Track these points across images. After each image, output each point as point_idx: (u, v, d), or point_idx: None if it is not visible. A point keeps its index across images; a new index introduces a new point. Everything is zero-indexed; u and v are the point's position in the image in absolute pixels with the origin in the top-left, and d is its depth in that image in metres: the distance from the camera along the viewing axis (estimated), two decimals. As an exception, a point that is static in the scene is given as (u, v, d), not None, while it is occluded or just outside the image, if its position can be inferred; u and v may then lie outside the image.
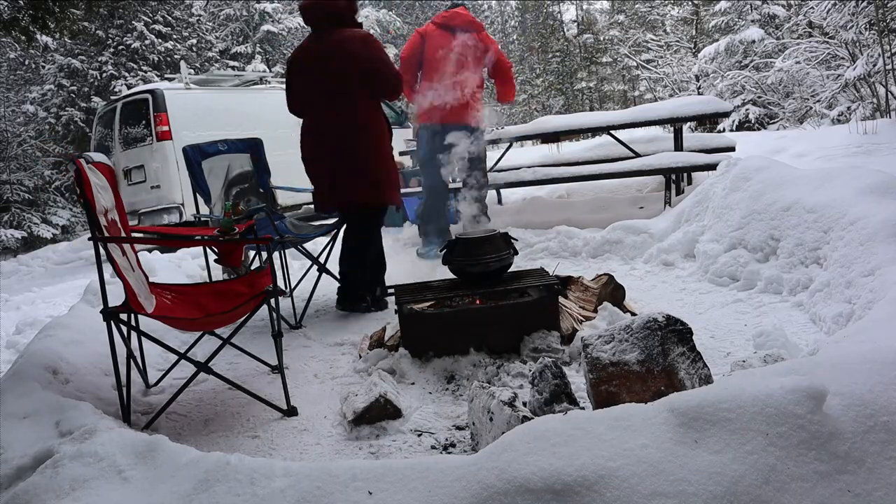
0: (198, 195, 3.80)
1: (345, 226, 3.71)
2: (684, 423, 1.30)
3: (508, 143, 6.70)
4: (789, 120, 12.20)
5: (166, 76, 10.38)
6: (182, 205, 7.63)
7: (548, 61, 29.51)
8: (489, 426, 1.80)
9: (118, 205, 2.47)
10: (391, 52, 16.54)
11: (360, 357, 2.85)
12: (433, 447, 2.00)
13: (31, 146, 14.27)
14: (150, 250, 5.19)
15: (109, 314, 2.20)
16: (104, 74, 15.27)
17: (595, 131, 6.61)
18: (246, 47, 18.50)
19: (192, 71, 9.57)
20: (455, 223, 6.29)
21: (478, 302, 2.81)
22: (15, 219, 13.35)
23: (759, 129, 12.59)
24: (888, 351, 1.49)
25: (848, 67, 10.45)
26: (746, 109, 13.07)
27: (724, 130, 12.85)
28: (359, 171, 3.52)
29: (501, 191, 7.13)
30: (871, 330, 1.84)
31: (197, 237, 3.26)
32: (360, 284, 3.68)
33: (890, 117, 8.86)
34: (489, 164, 7.32)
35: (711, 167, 4.87)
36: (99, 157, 7.74)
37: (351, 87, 3.48)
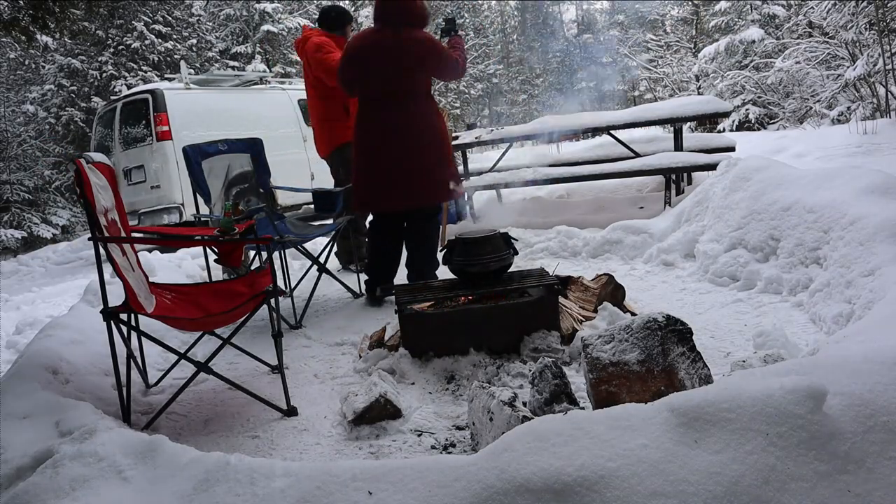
0: (198, 195, 3.80)
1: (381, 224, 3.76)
2: (684, 423, 1.30)
3: (508, 144, 6.71)
4: (789, 120, 12.20)
5: (166, 76, 10.39)
6: (182, 205, 7.63)
7: (548, 61, 29.53)
8: (489, 426, 1.80)
9: (118, 205, 2.47)
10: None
11: (360, 357, 2.85)
12: (433, 447, 2.00)
13: (31, 146, 14.27)
14: (150, 250, 5.19)
15: (109, 314, 2.20)
16: (104, 74, 15.28)
17: (595, 131, 6.61)
18: (246, 47, 18.51)
19: (192, 71, 9.57)
20: (455, 223, 6.30)
21: (484, 299, 2.81)
22: (15, 219, 13.35)
23: (759, 129, 12.59)
24: (888, 351, 1.49)
25: (848, 67, 10.46)
26: (746, 109, 13.07)
27: (724, 130, 12.86)
28: (434, 171, 3.58)
29: (501, 191, 7.14)
30: (871, 330, 1.84)
31: (197, 237, 3.26)
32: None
33: (890, 117, 8.86)
34: (489, 164, 7.34)
35: (711, 167, 4.87)
36: (99, 157, 7.73)
37: (421, 87, 3.57)
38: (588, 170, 5.87)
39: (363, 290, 4.07)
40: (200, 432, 2.31)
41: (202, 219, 3.83)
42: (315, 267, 3.77)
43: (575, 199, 6.85)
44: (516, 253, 2.91)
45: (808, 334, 2.59)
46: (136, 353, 2.65)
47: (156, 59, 15.64)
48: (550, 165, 6.53)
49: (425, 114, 3.59)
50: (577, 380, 2.25)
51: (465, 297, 2.81)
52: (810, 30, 12.77)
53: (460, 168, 7.08)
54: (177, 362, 2.75)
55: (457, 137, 6.35)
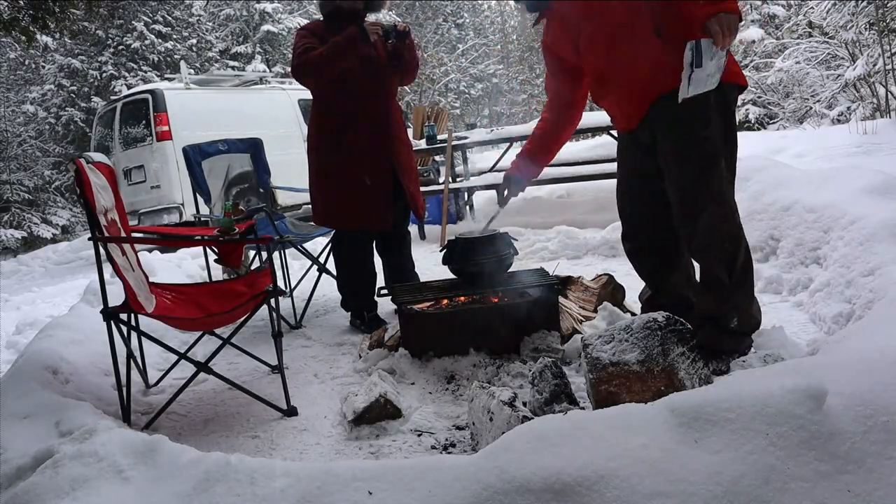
0: (198, 195, 3.80)
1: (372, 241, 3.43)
2: (684, 423, 1.30)
3: (508, 143, 6.71)
4: (789, 120, 12.20)
5: (166, 76, 10.39)
6: (182, 205, 7.64)
7: (548, 61, 29.52)
8: (489, 426, 1.80)
9: (118, 205, 2.47)
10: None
11: (360, 357, 2.85)
12: (433, 447, 2.00)
13: (31, 146, 14.28)
14: (150, 250, 5.19)
15: (109, 314, 2.20)
16: (104, 74, 15.29)
17: (595, 131, 6.60)
18: (246, 47, 18.50)
19: (192, 71, 9.57)
20: (455, 223, 6.31)
21: (484, 299, 2.81)
22: (15, 219, 13.36)
23: (759, 129, 12.59)
24: (888, 351, 1.49)
25: (848, 67, 10.46)
26: (746, 109, 13.07)
27: (724, 130, 12.83)
28: (407, 185, 3.28)
29: (501, 191, 7.13)
30: (871, 330, 1.84)
31: (197, 237, 3.26)
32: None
33: (890, 117, 8.87)
34: (489, 164, 7.33)
35: (711, 167, 4.85)
36: (99, 157, 7.77)
37: (391, 90, 3.25)
38: (588, 170, 5.87)
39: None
40: (200, 432, 2.31)
41: (202, 219, 3.83)
42: (315, 267, 3.77)
43: (575, 199, 6.85)
44: (516, 253, 2.91)
45: (808, 334, 2.58)
46: (136, 353, 2.65)
47: (156, 59, 15.65)
48: (550, 165, 6.52)
49: (400, 123, 3.29)
50: (577, 380, 2.25)
51: (465, 297, 2.81)
52: (810, 30, 12.78)
53: (460, 168, 7.09)
54: (177, 362, 2.75)
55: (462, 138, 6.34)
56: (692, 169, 2.20)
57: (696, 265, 2.37)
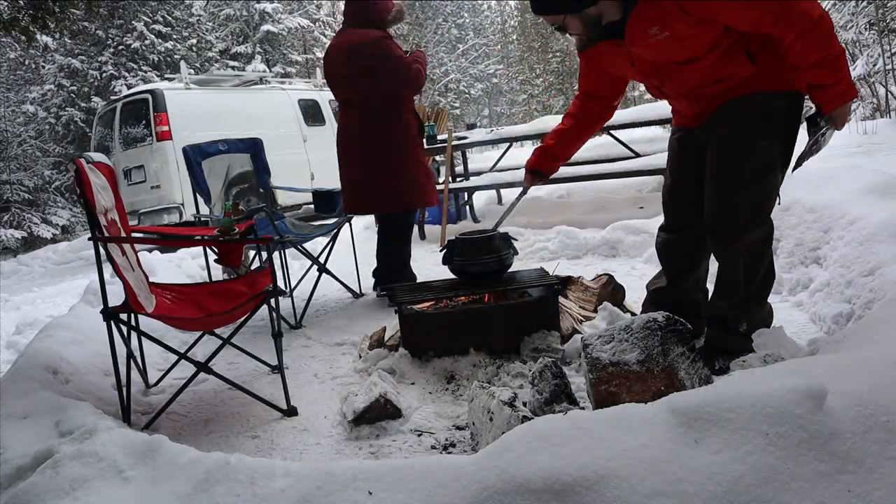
0: (198, 195, 3.80)
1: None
2: (684, 423, 1.30)
3: (508, 143, 6.71)
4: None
5: (166, 76, 10.39)
6: (182, 205, 7.64)
7: (548, 61, 29.56)
8: (489, 426, 1.80)
9: (118, 205, 2.47)
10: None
11: (360, 357, 2.85)
12: (433, 447, 2.00)
13: (31, 146, 14.29)
14: (150, 250, 5.19)
15: (109, 314, 2.20)
16: (104, 74, 15.30)
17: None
18: (246, 47, 18.52)
19: (192, 71, 9.57)
20: (455, 223, 6.31)
21: (485, 299, 2.81)
22: (15, 219, 13.36)
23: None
24: (888, 351, 1.49)
25: (848, 67, 10.46)
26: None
27: (724, 130, 12.82)
28: (382, 176, 3.60)
29: (501, 191, 7.14)
30: (871, 330, 1.84)
31: (197, 237, 3.26)
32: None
33: (890, 117, 8.88)
34: (489, 163, 7.34)
35: (711, 167, 4.86)
36: (99, 157, 7.78)
37: (364, 91, 3.53)
38: (588, 170, 5.87)
39: (363, 291, 4.08)
40: (200, 432, 2.31)
41: (202, 219, 3.83)
42: (315, 267, 3.77)
43: (575, 199, 6.85)
44: (516, 253, 2.91)
45: (808, 334, 2.58)
46: (136, 353, 2.66)
47: (156, 59, 15.66)
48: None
49: (379, 125, 3.54)
50: (577, 380, 2.25)
51: (465, 296, 2.81)
52: (810, 30, 12.76)
53: (459, 168, 7.09)
54: (177, 362, 2.75)
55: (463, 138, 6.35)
56: (742, 178, 2.12)
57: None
